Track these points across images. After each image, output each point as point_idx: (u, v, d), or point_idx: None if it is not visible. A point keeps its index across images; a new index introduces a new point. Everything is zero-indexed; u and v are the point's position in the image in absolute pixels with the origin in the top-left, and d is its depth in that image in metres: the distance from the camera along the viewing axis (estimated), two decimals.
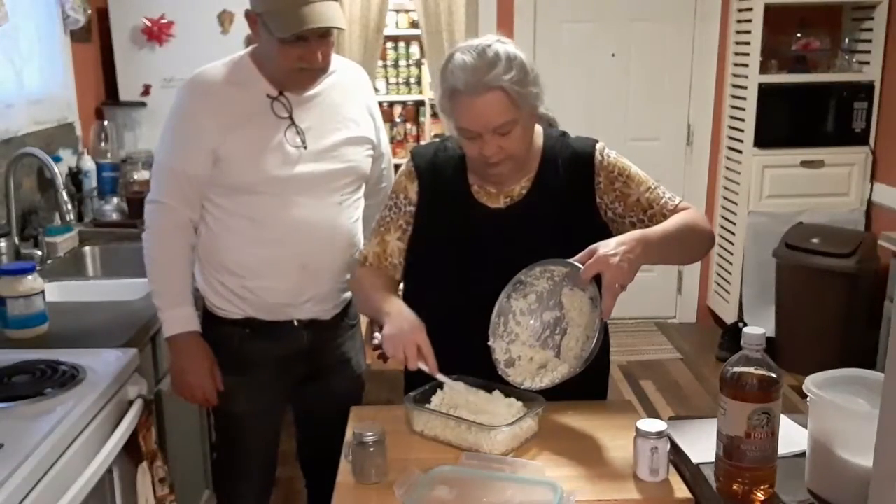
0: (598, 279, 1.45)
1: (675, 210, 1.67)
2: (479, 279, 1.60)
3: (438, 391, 1.59)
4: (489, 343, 1.56)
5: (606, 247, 1.46)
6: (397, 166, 1.92)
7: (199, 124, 1.82)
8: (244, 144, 1.82)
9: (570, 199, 1.68)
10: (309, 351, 1.97)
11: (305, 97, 1.87)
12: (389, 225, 1.77)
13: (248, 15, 1.79)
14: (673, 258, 1.72)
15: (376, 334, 1.64)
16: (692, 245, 1.66)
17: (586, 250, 1.47)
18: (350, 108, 1.93)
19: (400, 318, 1.60)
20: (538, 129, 1.72)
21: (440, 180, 1.74)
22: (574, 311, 1.55)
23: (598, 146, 1.71)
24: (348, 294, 2.01)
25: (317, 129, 1.87)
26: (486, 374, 1.57)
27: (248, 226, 1.86)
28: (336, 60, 1.93)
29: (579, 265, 1.47)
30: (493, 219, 1.69)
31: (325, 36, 1.76)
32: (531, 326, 1.58)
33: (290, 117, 1.85)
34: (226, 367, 1.94)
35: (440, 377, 1.57)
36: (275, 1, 1.73)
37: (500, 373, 1.56)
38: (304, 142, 1.85)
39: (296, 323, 1.93)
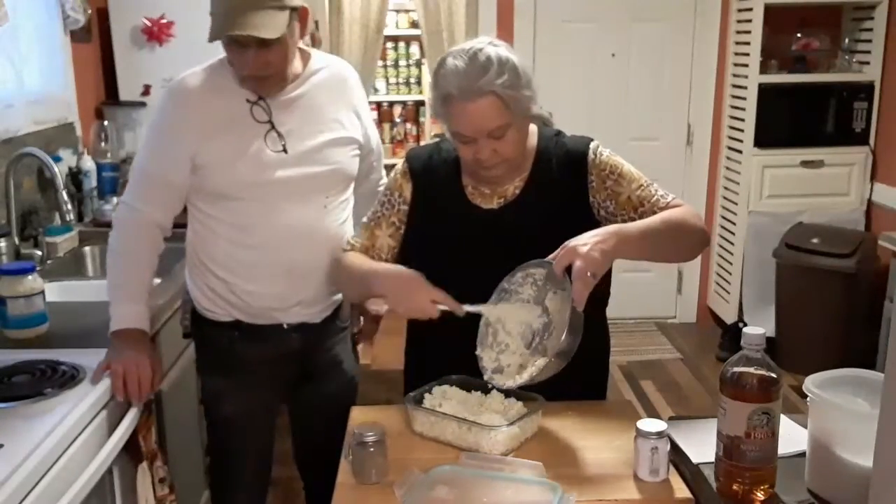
0: None
1: (667, 207, 1.63)
2: (474, 280, 1.58)
3: (435, 392, 1.59)
4: (477, 353, 1.55)
5: (578, 239, 1.45)
6: (395, 165, 1.90)
7: (178, 132, 1.80)
8: (223, 151, 1.79)
9: (564, 198, 1.67)
10: (300, 353, 1.96)
11: (286, 100, 1.83)
12: (381, 220, 1.76)
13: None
14: (659, 254, 1.65)
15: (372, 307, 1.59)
16: (680, 241, 1.62)
17: (560, 246, 1.46)
18: (334, 109, 1.90)
19: (398, 278, 1.58)
20: (532, 128, 1.71)
21: (434, 183, 1.73)
22: (558, 313, 1.51)
23: (591, 145, 1.70)
24: (338, 297, 1.98)
25: (298, 133, 1.84)
26: (480, 375, 1.56)
27: (233, 231, 1.84)
28: (323, 58, 1.91)
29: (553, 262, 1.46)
30: (487, 220, 1.68)
31: (264, 44, 1.69)
32: (520, 335, 1.54)
33: (270, 121, 1.82)
34: (216, 368, 1.93)
35: (467, 308, 1.53)
36: (215, 4, 1.72)
37: (486, 378, 1.54)
38: (284, 146, 1.82)
39: (285, 326, 1.92)
